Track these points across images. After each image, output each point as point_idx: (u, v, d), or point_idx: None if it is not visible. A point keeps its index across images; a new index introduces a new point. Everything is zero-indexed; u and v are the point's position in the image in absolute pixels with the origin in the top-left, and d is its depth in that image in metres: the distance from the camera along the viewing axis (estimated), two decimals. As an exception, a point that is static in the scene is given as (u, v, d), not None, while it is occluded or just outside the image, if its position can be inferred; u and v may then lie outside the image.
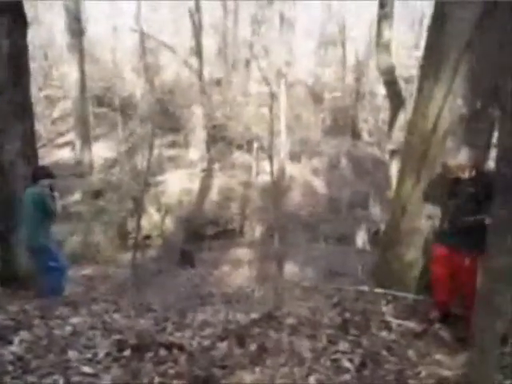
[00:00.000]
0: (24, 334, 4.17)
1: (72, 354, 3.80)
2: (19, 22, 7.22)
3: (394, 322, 4.77)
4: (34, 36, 18.78)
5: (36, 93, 20.74)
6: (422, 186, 5.47)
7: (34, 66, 16.75)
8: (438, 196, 4.75)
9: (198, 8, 22.59)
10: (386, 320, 4.81)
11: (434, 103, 5.46)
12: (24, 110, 7.30)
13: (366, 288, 6.02)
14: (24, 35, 7.34)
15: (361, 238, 18.94)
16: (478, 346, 3.14)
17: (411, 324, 4.73)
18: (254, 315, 4.83)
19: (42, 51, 25.74)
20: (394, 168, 12.09)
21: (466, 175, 4.49)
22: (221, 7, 26.26)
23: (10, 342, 3.97)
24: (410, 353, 4.08)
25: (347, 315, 4.87)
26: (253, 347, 4.05)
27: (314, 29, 31.55)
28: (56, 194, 6.36)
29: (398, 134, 12.14)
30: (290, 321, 4.66)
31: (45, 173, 6.44)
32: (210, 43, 25.29)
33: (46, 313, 4.94)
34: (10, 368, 3.51)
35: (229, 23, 27.03)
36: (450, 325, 4.60)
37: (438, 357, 4.03)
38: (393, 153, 12.79)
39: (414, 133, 5.90)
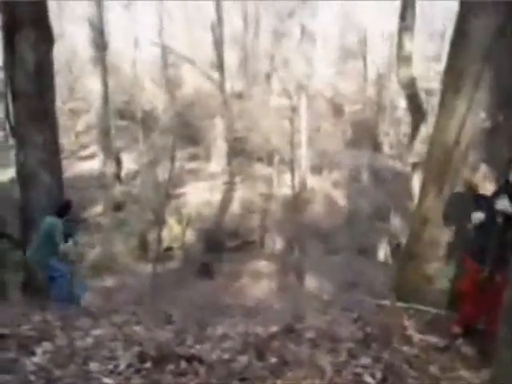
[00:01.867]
0: (47, 345, 4.21)
1: (93, 365, 3.83)
2: (45, 36, 7.37)
3: (416, 336, 4.71)
4: (59, 49, 19.10)
5: (61, 105, 21.05)
6: (444, 198, 5.43)
7: (58, 79, 17.02)
8: (457, 214, 4.72)
9: (219, 21, 22.79)
10: (407, 334, 4.76)
11: (455, 116, 5.43)
12: (49, 123, 7.44)
13: (387, 302, 5.96)
14: (50, 49, 7.49)
15: (382, 251, 18.79)
16: (502, 362, 3.08)
17: (433, 339, 4.66)
18: (274, 328, 4.82)
19: (67, 64, 26.13)
20: (416, 181, 12.01)
21: (488, 189, 4.45)
22: (241, 20, 26.42)
23: (33, 353, 4.01)
24: (432, 368, 4.02)
25: (368, 329, 4.82)
26: (273, 360, 4.03)
27: (334, 41, 31.54)
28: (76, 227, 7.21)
29: (420, 147, 12.06)
30: (310, 334, 4.63)
31: (69, 206, 6.97)
32: (230, 56, 25.43)
33: (68, 323, 4.98)
34: (33, 378, 3.54)
35: (249, 36, 27.17)
36: (472, 340, 4.53)
37: (460, 372, 3.97)
38: (414, 165, 12.71)
39: (436, 145, 5.86)
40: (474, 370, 4.00)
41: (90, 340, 4.46)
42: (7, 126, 8.09)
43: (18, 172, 7.46)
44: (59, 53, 20.35)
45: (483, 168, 4.51)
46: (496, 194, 4.37)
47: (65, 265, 7.06)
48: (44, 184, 7.27)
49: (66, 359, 3.92)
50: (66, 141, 22.15)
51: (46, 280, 6.86)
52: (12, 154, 9.12)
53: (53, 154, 7.49)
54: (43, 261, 6.68)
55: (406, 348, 4.44)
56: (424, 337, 4.70)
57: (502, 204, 4.20)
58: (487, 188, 4.45)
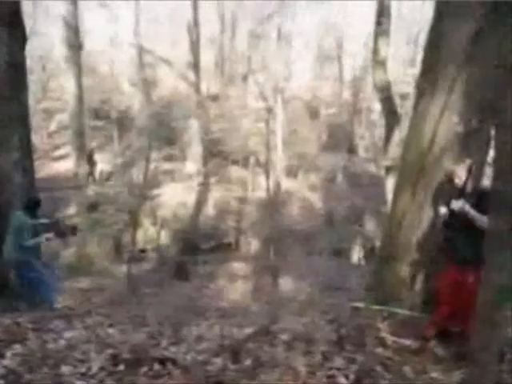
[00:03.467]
0: (17, 348, 4.13)
1: (65, 368, 3.77)
2: (18, 34, 7.26)
3: (390, 338, 4.74)
4: (32, 48, 18.81)
5: (33, 105, 20.75)
6: (417, 201, 5.48)
7: (32, 78, 16.77)
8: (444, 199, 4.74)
9: (195, 22, 22.72)
10: (381, 336, 4.78)
11: (429, 120, 5.47)
12: (21, 122, 7.32)
13: (361, 304, 5.99)
14: (22, 47, 7.38)
15: (356, 253, 18.93)
16: (476, 363, 3.12)
17: (407, 341, 4.69)
18: (249, 330, 4.81)
19: (41, 63, 25.79)
20: (390, 184, 12.09)
21: (462, 181, 4.50)
22: (218, 21, 26.39)
23: (3, 356, 3.93)
24: (406, 370, 4.05)
25: (343, 331, 4.84)
26: (248, 362, 4.02)
27: (311, 44, 31.73)
28: (44, 220, 6.97)
29: (394, 150, 12.16)
30: (285, 336, 4.63)
31: (38, 203, 6.91)
32: (207, 57, 25.38)
33: (40, 326, 4.90)
34: (2, 382, 3.47)
35: (226, 37, 27.16)
36: (446, 342, 4.57)
37: (433, 374, 4.00)
38: (388, 169, 12.81)
39: (410, 149, 5.90)
40: (447, 371, 4.03)
41: (62, 342, 4.39)
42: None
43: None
44: (33, 51, 20.15)
45: (468, 162, 4.57)
46: (474, 193, 4.43)
47: (51, 269, 6.97)
48: (16, 185, 7.15)
49: (38, 362, 3.85)
50: (39, 141, 21.85)
51: (18, 281, 6.67)
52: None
53: (26, 154, 7.37)
54: (14, 257, 6.48)
55: (379, 350, 4.46)
56: (398, 339, 4.73)
57: (456, 204, 4.28)
58: (461, 176, 4.51)
